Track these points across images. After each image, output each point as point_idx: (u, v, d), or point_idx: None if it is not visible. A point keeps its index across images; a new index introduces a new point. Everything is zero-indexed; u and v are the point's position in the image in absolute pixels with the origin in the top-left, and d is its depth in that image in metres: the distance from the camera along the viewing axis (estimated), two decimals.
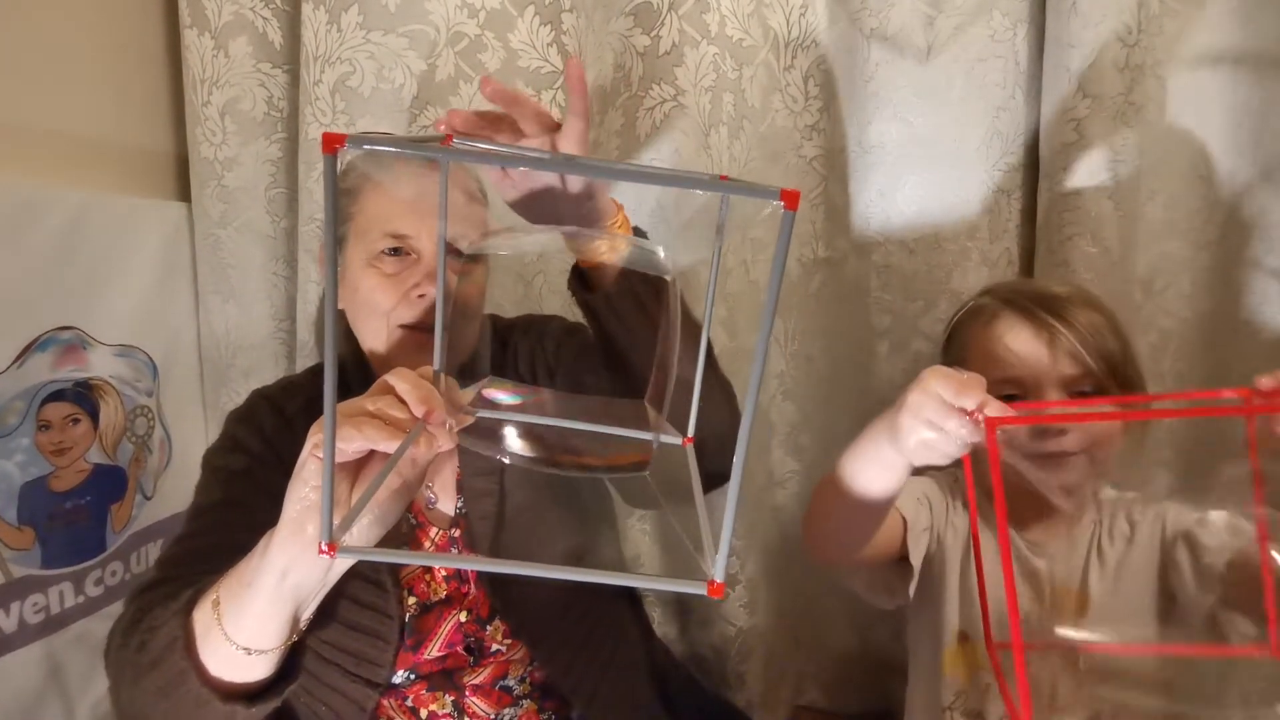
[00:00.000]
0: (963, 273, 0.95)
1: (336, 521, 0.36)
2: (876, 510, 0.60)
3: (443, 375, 0.49)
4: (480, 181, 0.79)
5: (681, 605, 1.10)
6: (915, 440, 0.51)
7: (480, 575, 0.72)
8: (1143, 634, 0.71)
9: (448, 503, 0.75)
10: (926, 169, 0.95)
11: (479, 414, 0.48)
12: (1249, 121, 0.92)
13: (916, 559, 0.71)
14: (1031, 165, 0.94)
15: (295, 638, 0.54)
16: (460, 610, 0.71)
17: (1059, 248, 0.91)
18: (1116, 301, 0.95)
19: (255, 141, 1.05)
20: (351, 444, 0.45)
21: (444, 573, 0.72)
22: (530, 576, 0.68)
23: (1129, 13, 0.86)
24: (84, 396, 0.93)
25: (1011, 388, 0.68)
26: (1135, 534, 0.71)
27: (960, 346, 0.75)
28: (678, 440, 0.48)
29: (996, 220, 0.95)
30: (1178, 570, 0.68)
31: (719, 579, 0.32)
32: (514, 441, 0.46)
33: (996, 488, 0.40)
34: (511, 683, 0.72)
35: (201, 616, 0.53)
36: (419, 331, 0.71)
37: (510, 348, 0.82)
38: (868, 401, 1.06)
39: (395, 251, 0.71)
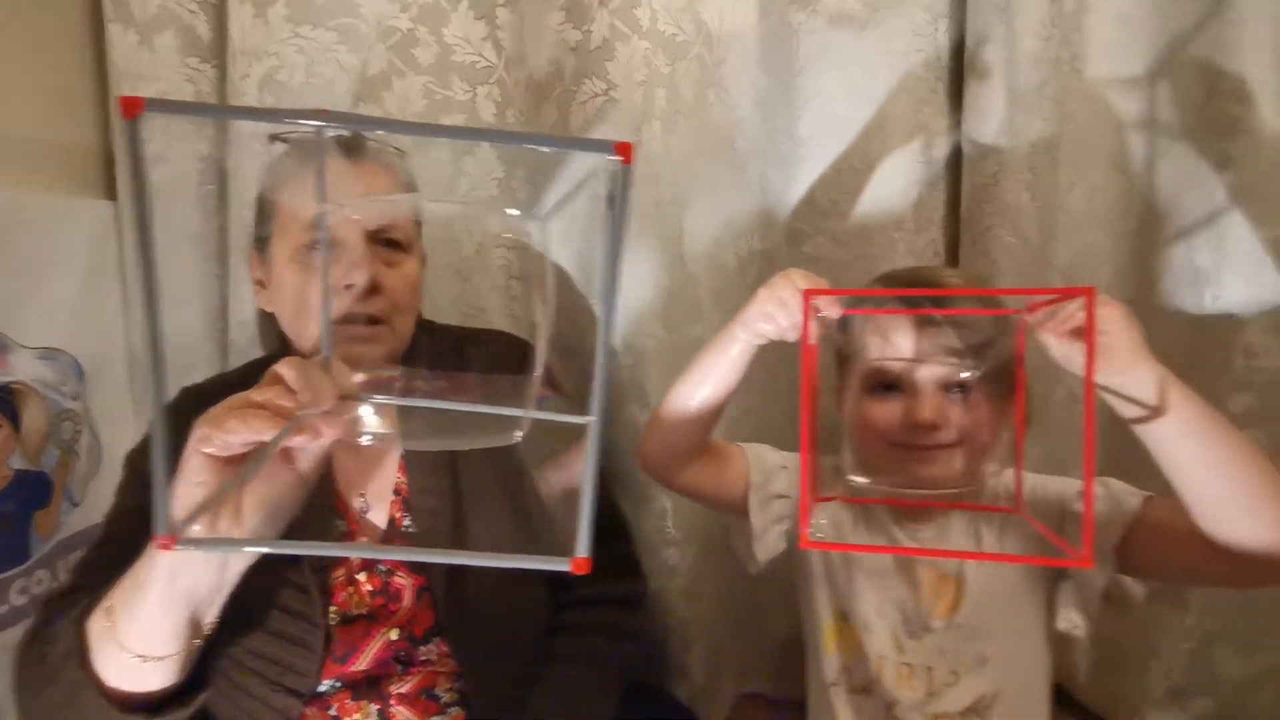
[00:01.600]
0: (889, 264, 0.97)
1: (179, 515, 0.35)
2: (710, 402, 0.67)
3: (331, 360, 0.49)
4: (410, 173, 0.78)
5: None
6: (761, 312, 0.61)
7: (429, 594, 0.70)
8: (1024, 616, 0.72)
9: (380, 513, 0.73)
10: (854, 161, 0.96)
11: (372, 399, 0.48)
12: (1166, 112, 0.95)
13: (758, 520, 0.73)
14: (955, 157, 0.96)
15: (199, 643, 0.53)
16: (391, 628, 0.70)
17: (980, 238, 0.93)
18: None
19: (184, 138, 1.03)
20: (236, 436, 0.44)
21: (369, 587, 0.70)
22: (458, 582, 0.69)
23: (1044, 8, 0.88)
24: (4, 401, 0.91)
25: (888, 377, 0.68)
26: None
27: (849, 333, 0.72)
28: (582, 420, 0.48)
29: (921, 212, 0.97)
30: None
31: (581, 554, 0.33)
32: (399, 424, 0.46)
33: (805, 349, 0.50)
34: (439, 691, 0.71)
35: (95, 625, 0.52)
36: (353, 324, 0.69)
37: (467, 360, 0.80)
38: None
39: (317, 245, 0.68)
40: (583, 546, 0.34)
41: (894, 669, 0.72)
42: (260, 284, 0.76)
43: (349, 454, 0.72)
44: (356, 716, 0.68)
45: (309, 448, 0.48)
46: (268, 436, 0.45)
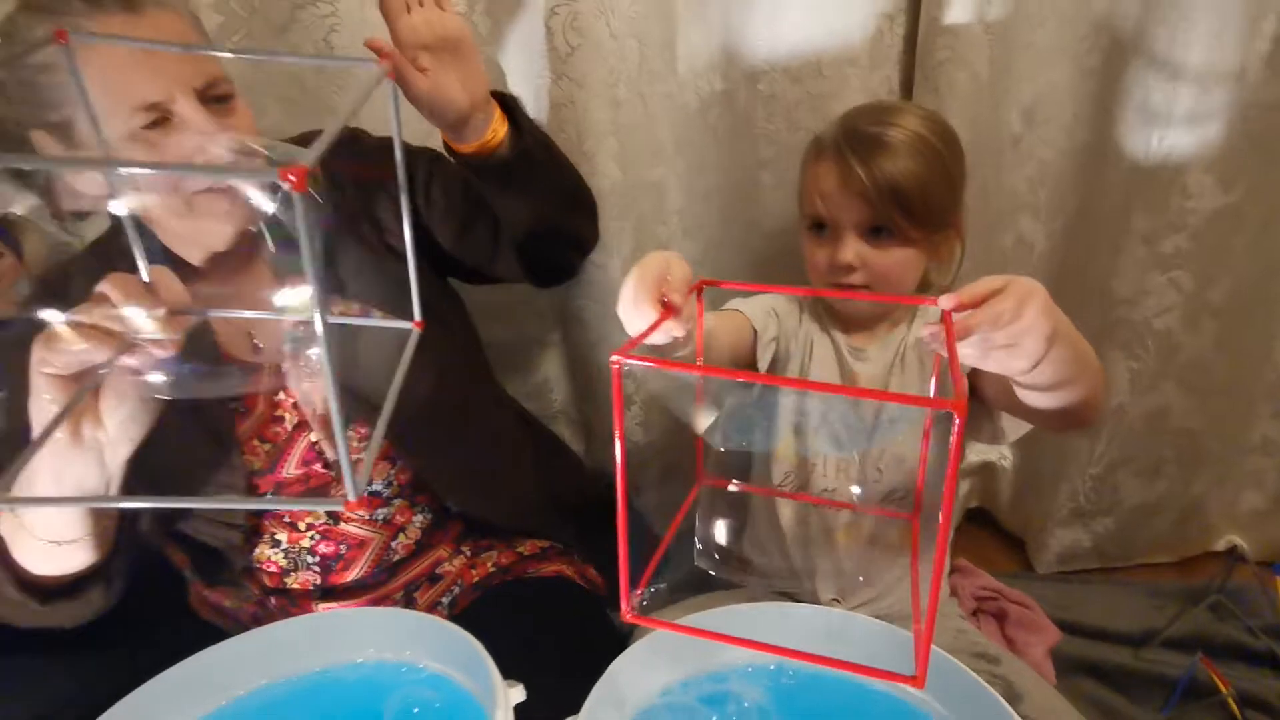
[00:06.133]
0: (842, 103, 0.96)
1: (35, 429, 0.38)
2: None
3: (160, 272, 0.49)
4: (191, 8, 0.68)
5: (585, 426, 1.20)
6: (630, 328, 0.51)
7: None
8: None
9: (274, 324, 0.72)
10: None
11: (209, 313, 0.51)
12: None
13: (763, 363, 0.79)
14: None
15: (109, 522, 0.59)
16: (309, 430, 0.73)
17: (932, 74, 0.92)
18: (987, 133, 0.97)
19: None
20: (64, 357, 0.47)
21: (291, 400, 0.72)
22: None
23: None
24: (4, 232, 0.97)
25: (819, 219, 0.75)
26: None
27: (800, 176, 0.79)
28: (408, 325, 0.48)
29: (878, 47, 0.95)
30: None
31: (352, 498, 0.35)
32: None
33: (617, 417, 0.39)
34: (379, 486, 0.77)
35: (5, 522, 0.58)
36: (217, 191, 0.63)
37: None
38: (755, 236, 1.10)
39: (155, 124, 0.60)
40: (351, 490, 0.34)
41: (834, 464, 0.81)
42: None
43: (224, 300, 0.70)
44: (309, 519, 0.76)
45: (142, 370, 0.49)
46: (100, 358, 0.47)
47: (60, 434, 0.49)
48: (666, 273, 0.49)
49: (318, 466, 0.75)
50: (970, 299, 0.45)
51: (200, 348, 0.69)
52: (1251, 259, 0.96)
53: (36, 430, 0.50)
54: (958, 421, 0.29)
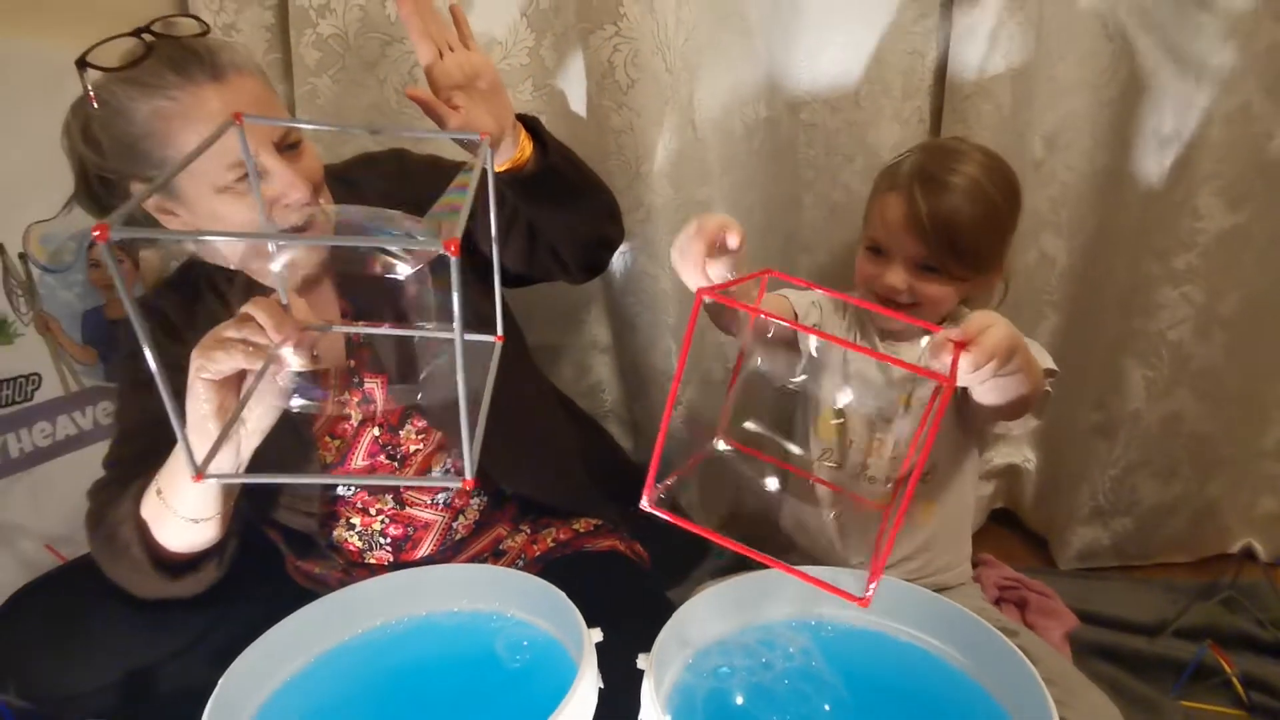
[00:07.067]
0: (876, 130, 1.06)
1: (202, 455, 0.45)
2: None
3: (289, 299, 0.58)
4: (259, 64, 0.77)
5: (634, 425, 1.30)
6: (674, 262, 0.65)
7: (390, 381, 0.80)
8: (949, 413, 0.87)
9: (334, 338, 0.80)
10: (850, 31, 1.03)
11: (333, 328, 0.60)
12: None
13: (802, 349, 0.88)
14: (946, 26, 1.03)
15: (232, 501, 0.71)
16: (373, 426, 0.82)
17: (960, 106, 1.01)
18: (1011, 157, 1.06)
19: (250, 7, 1.14)
20: (222, 365, 0.57)
21: (356, 399, 0.82)
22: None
23: None
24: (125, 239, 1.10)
25: (878, 244, 0.84)
26: None
27: (870, 197, 0.88)
28: (490, 339, 0.56)
29: (910, 80, 1.04)
30: None
31: (469, 476, 0.41)
32: None
33: (687, 339, 0.53)
34: (437, 473, 0.87)
35: (149, 505, 0.68)
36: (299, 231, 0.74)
37: (356, 186, 0.83)
38: (793, 247, 1.19)
39: (244, 177, 0.68)
40: (469, 469, 0.41)
41: (867, 442, 0.90)
42: (169, 213, 0.72)
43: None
44: (378, 505, 0.86)
45: (278, 378, 0.58)
46: (246, 365, 0.56)
47: (211, 426, 0.59)
48: (725, 227, 0.61)
49: (382, 458, 0.84)
50: (968, 335, 0.56)
51: None
52: (1259, 274, 1.03)
53: (193, 423, 0.61)
54: (944, 391, 0.43)
